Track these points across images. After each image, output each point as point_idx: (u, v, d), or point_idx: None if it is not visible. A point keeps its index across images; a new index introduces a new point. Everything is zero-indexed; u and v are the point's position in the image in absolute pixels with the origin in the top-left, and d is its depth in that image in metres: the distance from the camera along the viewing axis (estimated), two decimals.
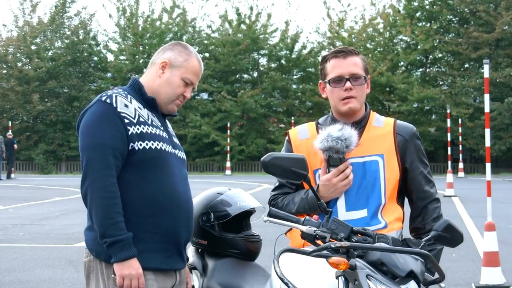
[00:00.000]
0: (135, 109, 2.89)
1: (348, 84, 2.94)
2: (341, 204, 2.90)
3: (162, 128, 2.97)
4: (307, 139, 3.02)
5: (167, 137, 2.97)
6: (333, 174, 2.87)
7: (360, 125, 2.98)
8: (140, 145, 2.84)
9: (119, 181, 2.81)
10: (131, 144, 2.83)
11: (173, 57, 2.99)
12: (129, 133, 2.83)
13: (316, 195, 2.68)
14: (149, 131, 2.88)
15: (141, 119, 2.88)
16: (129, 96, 2.92)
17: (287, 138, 3.12)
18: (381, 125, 2.99)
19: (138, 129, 2.85)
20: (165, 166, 2.89)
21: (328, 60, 3.02)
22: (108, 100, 2.84)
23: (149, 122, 2.91)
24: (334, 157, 2.87)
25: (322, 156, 2.91)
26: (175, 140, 3.07)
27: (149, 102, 2.97)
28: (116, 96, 2.87)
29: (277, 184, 3.10)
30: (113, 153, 2.78)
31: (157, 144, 2.88)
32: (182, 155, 3.06)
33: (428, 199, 2.97)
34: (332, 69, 2.99)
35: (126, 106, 2.86)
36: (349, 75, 2.95)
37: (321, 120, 3.08)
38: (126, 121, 2.83)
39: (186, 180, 3.03)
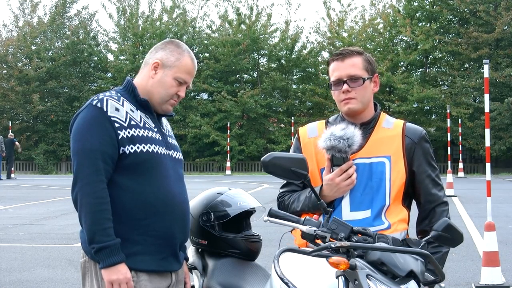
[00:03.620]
0: (126, 112, 2.88)
1: (345, 86, 2.95)
2: (345, 204, 2.90)
3: (155, 129, 2.96)
4: (315, 137, 3.01)
5: (160, 138, 2.96)
6: (335, 174, 2.87)
7: (369, 126, 2.98)
8: (131, 148, 2.83)
9: (112, 185, 2.81)
10: (122, 148, 2.82)
11: (165, 57, 2.97)
12: (120, 137, 2.82)
13: (316, 195, 2.68)
14: (140, 134, 2.87)
15: (132, 122, 2.87)
16: (121, 98, 2.91)
17: (296, 135, 3.13)
18: (390, 127, 2.98)
19: (129, 132, 2.84)
20: (158, 168, 2.88)
21: (330, 63, 3.02)
22: (98, 104, 2.84)
23: (141, 125, 2.90)
24: (337, 156, 2.86)
25: (325, 155, 2.91)
26: (171, 140, 3.05)
27: (142, 104, 2.96)
28: (107, 100, 2.86)
29: (285, 181, 3.10)
30: (102, 158, 2.78)
31: (149, 147, 2.87)
32: (178, 155, 3.05)
33: (436, 202, 2.96)
34: (332, 72, 3.01)
35: (117, 109, 2.85)
36: (347, 77, 2.95)
37: (331, 118, 3.08)
38: (117, 125, 2.83)
39: (182, 181, 3.02)
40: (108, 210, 2.76)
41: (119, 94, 2.93)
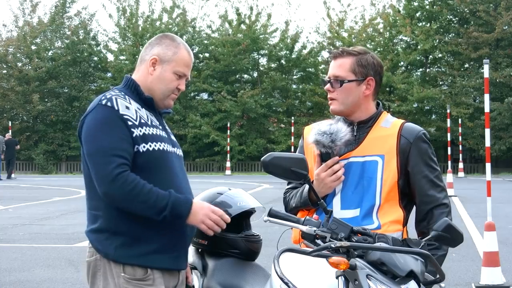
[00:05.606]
0: (135, 111, 2.86)
1: (327, 85, 2.96)
2: (336, 202, 2.90)
3: (160, 127, 2.95)
4: None
5: (166, 136, 2.96)
6: (321, 169, 2.87)
7: (367, 125, 2.96)
8: (144, 147, 2.81)
9: None
10: (136, 146, 2.80)
11: (162, 52, 2.95)
12: (134, 135, 2.79)
13: (316, 195, 2.69)
14: (150, 132, 2.85)
15: (142, 121, 2.85)
16: (126, 97, 2.89)
17: (302, 134, 3.13)
18: (388, 126, 2.95)
19: (140, 131, 2.82)
20: (168, 166, 2.87)
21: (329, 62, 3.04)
22: (109, 104, 2.80)
23: (149, 123, 2.88)
24: (323, 151, 2.88)
25: (315, 151, 2.92)
26: (173, 137, 3.04)
27: (146, 102, 2.94)
28: (116, 99, 2.82)
29: None
30: (121, 155, 2.74)
31: (159, 145, 2.86)
32: (180, 152, 3.05)
33: (433, 204, 2.90)
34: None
35: (127, 108, 2.83)
36: (332, 77, 2.96)
37: (333, 118, 3.08)
38: (130, 123, 2.80)
39: (187, 178, 3.03)
40: (145, 184, 2.73)
41: (123, 93, 2.90)
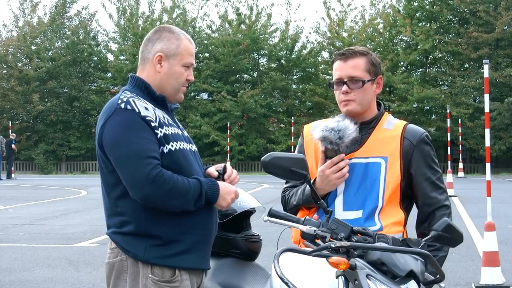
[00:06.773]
0: (154, 111, 2.80)
1: (344, 87, 2.92)
2: (338, 203, 2.89)
3: (175, 124, 2.90)
4: None
5: (181, 133, 2.90)
6: (326, 166, 2.86)
7: (370, 126, 2.95)
8: (166, 148, 2.76)
9: None
10: (161, 147, 2.76)
11: (165, 47, 2.88)
12: (158, 136, 2.75)
13: (316, 195, 2.69)
14: (169, 132, 2.80)
15: (161, 121, 2.79)
16: (140, 97, 2.82)
17: (301, 133, 3.12)
18: (391, 128, 2.95)
19: (161, 131, 2.77)
20: (189, 165, 2.83)
21: (334, 62, 3.00)
22: (128, 107, 2.73)
23: (166, 122, 2.83)
24: (329, 148, 2.87)
25: (320, 147, 2.91)
26: (186, 133, 2.99)
27: (158, 101, 2.87)
28: (134, 101, 2.76)
29: None
30: (155, 156, 2.71)
31: (180, 144, 2.82)
32: (195, 147, 2.99)
33: (435, 206, 2.92)
34: (334, 72, 2.98)
35: (146, 109, 2.76)
36: (347, 78, 2.92)
37: (338, 116, 3.08)
38: (153, 124, 2.74)
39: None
40: (181, 178, 2.73)
41: (134, 94, 2.83)
